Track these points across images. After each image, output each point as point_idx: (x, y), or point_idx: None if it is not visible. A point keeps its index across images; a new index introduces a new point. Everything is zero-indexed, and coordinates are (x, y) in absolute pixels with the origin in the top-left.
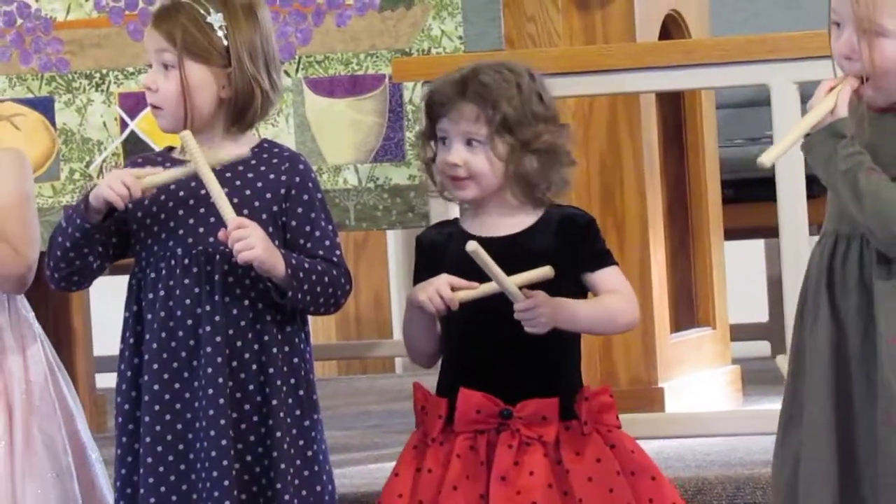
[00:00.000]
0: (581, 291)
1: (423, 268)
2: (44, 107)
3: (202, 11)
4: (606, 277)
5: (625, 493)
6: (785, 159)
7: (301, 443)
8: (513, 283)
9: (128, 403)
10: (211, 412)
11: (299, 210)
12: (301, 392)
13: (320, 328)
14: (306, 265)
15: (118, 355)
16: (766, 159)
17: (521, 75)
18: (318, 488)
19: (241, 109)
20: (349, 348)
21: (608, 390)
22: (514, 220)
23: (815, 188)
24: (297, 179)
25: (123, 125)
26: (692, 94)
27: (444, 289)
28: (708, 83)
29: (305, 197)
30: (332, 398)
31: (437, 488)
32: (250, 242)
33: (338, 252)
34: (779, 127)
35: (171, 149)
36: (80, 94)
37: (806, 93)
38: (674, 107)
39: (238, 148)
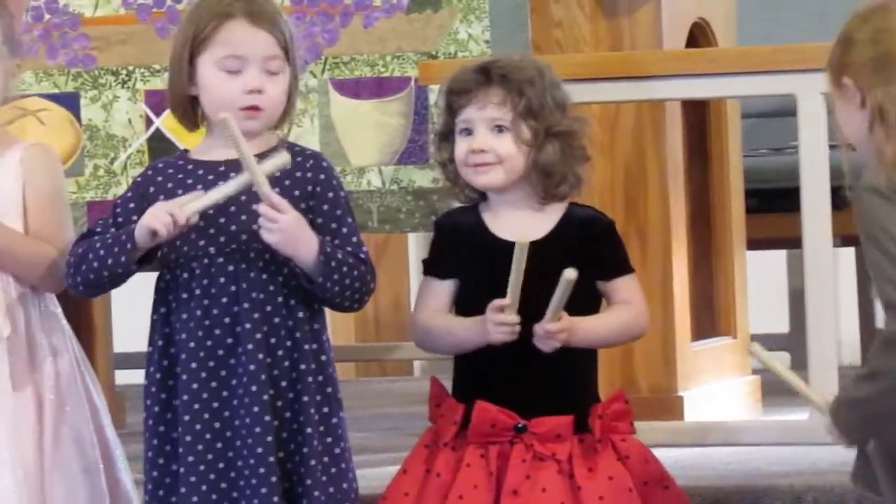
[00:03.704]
0: (595, 296)
1: (442, 249)
2: (69, 102)
3: (282, 15)
4: (621, 287)
5: None
6: (809, 169)
7: (329, 440)
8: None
9: (157, 405)
10: (255, 409)
11: (325, 207)
12: (329, 389)
13: (340, 329)
14: (339, 255)
15: (146, 357)
16: None
17: (538, 64)
18: (345, 486)
19: (287, 110)
20: (368, 350)
21: (622, 396)
22: (536, 223)
23: (838, 200)
24: (322, 177)
25: (149, 122)
26: (717, 102)
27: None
28: (734, 92)
29: (331, 195)
30: (350, 400)
31: (443, 494)
32: (271, 227)
33: (364, 249)
34: (804, 137)
35: (186, 151)
36: (106, 90)
37: (832, 103)
38: (699, 115)
39: (262, 147)
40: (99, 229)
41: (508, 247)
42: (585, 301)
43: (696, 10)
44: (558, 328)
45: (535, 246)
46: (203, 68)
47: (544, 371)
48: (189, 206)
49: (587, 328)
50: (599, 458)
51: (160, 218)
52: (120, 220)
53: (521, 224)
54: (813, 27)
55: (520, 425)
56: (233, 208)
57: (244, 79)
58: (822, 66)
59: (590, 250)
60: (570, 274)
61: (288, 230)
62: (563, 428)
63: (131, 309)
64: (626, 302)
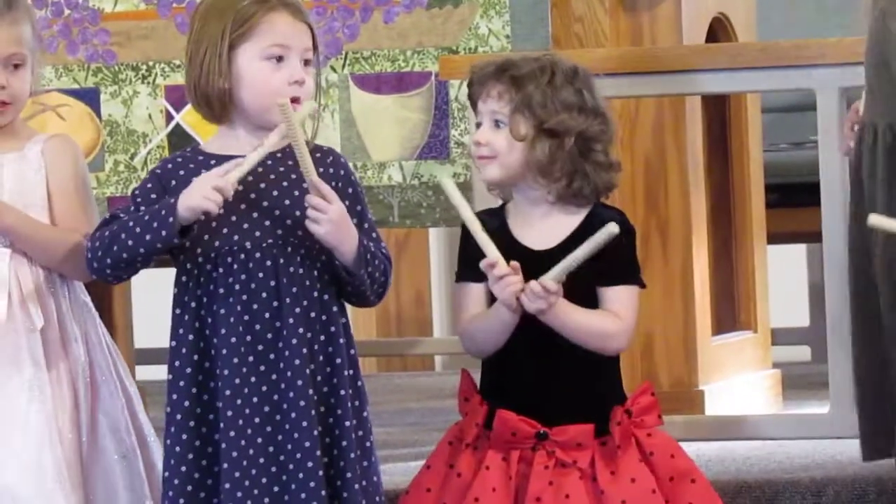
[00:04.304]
0: (592, 296)
1: (471, 252)
2: (89, 98)
3: None
4: (613, 296)
5: None
6: (828, 164)
7: (360, 433)
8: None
9: (187, 400)
10: (302, 404)
11: (346, 203)
12: (359, 383)
13: (361, 324)
14: (372, 248)
15: (169, 351)
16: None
17: (560, 66)
18: (375, 479)
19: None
20: (389, 345)
21: (649, 389)
22: (558, 224)
23: None
24: (342, 173)
25: (169, 118)
26: (738, 97)
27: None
28: (754, 87)
29: (350, 190)
30: (372, 395)
31: (462, 494)
32: (320, 218)
33: (384, 244)
34: (823, 132)
35: (198, 145)
36: (127, 85)
37: (850, 98)
38: (719, 110)
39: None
40: (122, 215)
41: (528, 251)
42: (583, 300)
43: (716, 6)
44: (554, 290)
45: (552, 252)
46: (244, 59)
47: (567, 376)
48: (232, 175)
49: (567, 312)
50: (622, 461)
51: (211, 197)
52: (142, 209)
53: (542, 225)
54: (833, 21)
55: (541, 432)
56: (265, 203)
57: (289, 70)
58: (841, 60)
59: (600, 252)
60: (612, 227)
61: (335, 220)
62: (584, 436)
63: (147, 305)
64: (613, 312)
